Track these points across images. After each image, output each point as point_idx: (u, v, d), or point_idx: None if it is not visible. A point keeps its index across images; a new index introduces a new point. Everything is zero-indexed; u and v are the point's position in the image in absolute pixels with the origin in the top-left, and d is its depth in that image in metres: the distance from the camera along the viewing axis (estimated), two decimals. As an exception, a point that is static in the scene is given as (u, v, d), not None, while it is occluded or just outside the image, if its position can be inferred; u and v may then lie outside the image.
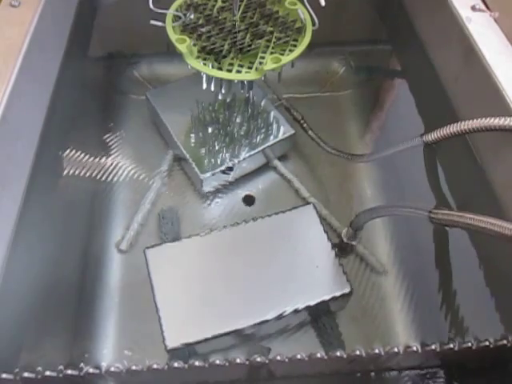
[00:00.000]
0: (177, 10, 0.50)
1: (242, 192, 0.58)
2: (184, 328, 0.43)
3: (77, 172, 0.55)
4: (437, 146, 0.48)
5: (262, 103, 0.58)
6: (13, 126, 0.42)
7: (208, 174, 0.53)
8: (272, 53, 0.48)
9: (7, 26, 0.47)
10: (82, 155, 0.57)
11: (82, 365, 0.30)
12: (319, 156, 0.59)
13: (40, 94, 0.50)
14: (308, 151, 0.60)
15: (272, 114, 0.58)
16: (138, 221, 0.53)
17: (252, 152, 0.55)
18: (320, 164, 0.60)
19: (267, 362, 0.32)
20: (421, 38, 0.61)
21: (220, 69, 0.47)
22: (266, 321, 0.43)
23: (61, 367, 0.30)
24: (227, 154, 0.55)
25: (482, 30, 0.50)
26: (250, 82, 0.49)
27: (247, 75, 0.47)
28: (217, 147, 0.55)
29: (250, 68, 0.48)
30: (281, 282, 0.45)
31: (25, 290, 0.42)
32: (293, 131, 0.57)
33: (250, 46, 0.48)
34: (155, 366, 0.31)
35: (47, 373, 0.30)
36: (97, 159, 0.58)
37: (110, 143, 0.61)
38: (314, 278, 0.46)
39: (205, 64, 0.47)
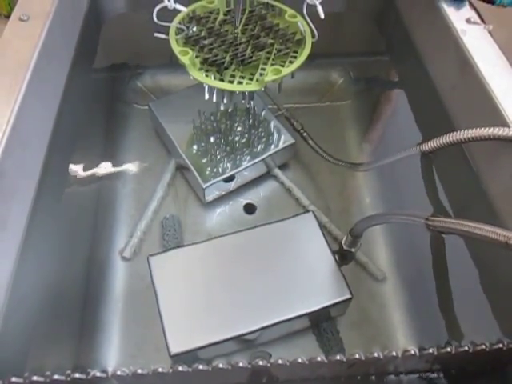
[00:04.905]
0: (180, 23, 0.51)
1: (243, 200, 0.58)
2: (187, 334, 0.43)
3: (82, 181, 0.56)
4: (433, 155, 0.49)
5: (263, 113, 0.59)
6: (22, 137, 0.43)
7: (210, 183, 0.54)
8: (272, 64, 0.49)
9: (17, 39, 0.48)
10: (87, 164, 0.58)
11: (89, 369, 0.31)
12: (319, 165, 0.59)
13: (48, 105, 0.51)
14: (308, 160, 0.61)
15: (272, 123, 0.59)
16: (141, 229, 0.54)
17: (253, 161, 0.56)
18: (320, 172, 0.61)
19: (269, 365, 0.33)
20: (418, 49, 0.62)
21: (222, 80, 0.48)
22: (268, 326, 0.44)
23: (68, 371, 0.31)
24: (229, 163, 0.56)
25: (476, 42, 0.51)
26: (251, 93, 0.50)
27: (248, 86, 0.48)
28: (218, 156, 0.56)
29: (251, 79, 0.48)
30: (282, 289, 0.46)
31: (32, 298, 0.43)
32: (293, 140, 0.58)
33: (251, 57, 0.49)
34: (160, 370, 0.32)
35: (55, 376, 0.30)
36: (101, 168, 0.59)
37: (114, 152, 0.62)
38: (315, 284, 0.46)
39: (207, 75, 0.48)
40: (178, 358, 0.42)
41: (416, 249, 0.55)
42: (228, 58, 0.49)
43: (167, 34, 0.49)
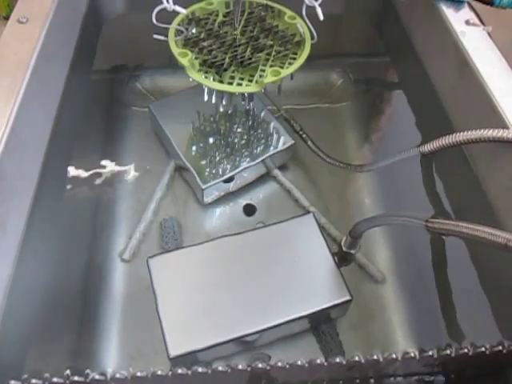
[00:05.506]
0: (179, 25, 0.51)
1: (242, 201, 0.58)
2: (186, 336, 0.43)
3: (81, 182, 0.56)
4: (433, 157, 0.49)
5: (262, 114, 0.59)
6: (21, 138, 0.43)
7: (209, 184, 0.54)
8: (272, 66, 0.49)
9: (15, 41, 0.48)
10: (86, 166, 0.58)
11: (87, 371, 0.31)
12: (318, 166, 0.59)
13: (47, 107, 0.51)
14: (307, 161, 0.61)
15: (272, 124, 0.59)
16: (140, 230, 0.54)
17: (252, 162, 0.56)
18: (319, 174, 0.61)
19: (268, 368, 0.33)
20: (417, 51, 0.62)
21: (221, 82, 0.48)
22: (267, 328, 0.44)
23: (67, 373, 0.31)
24: (228, 165, 0.56)
25: (476, 43, 0.51)
26: (251, 95, 0.50)
27: (248, 88, 0.48)
28: (218, 158, 0.56)
29: (251, 81, 0.48)
30: (281, 290, 0.46)
31: (31, 300, 0.43)
32: (292, 141, 0.58)
33: (250, 59, 0.49)
34: (159, 373, 0.32)
35: (54, 379, 0.30)
36: (100, 170, 0.59)
37: (113, 154, 0.62)
38: (314, 286, 0.46)
39: (206, 77, 0.48)
40: (177, 360, 0.42)
41: (416, 250, 0.55)
42: (227, 60, 0.49)
43: (166, 36, 0.49)
